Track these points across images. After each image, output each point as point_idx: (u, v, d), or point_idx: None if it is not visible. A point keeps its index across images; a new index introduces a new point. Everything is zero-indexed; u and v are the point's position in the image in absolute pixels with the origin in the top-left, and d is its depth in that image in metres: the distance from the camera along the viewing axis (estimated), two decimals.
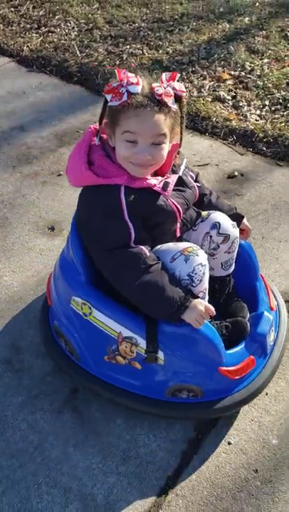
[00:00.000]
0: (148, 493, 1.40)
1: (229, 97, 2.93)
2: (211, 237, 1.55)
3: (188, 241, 1.53)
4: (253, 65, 3.19)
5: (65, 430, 1.52)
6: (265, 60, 3.24)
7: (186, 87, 3.04)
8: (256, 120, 2.76)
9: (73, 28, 3.72)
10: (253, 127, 2.68)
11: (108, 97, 1.30)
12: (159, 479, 1.42)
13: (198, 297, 1.38)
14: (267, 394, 1.59)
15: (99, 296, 1.45)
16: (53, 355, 1.63)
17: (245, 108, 2.83)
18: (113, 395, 1.52)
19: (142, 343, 1.40)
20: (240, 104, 2.86)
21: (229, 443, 1.49)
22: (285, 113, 2.80)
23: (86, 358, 1.54)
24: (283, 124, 2.70)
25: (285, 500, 1.38)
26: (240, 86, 3.02)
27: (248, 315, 1.59)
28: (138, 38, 3.56)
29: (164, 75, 1.33)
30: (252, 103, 2.89)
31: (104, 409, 1.56)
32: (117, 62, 3.26)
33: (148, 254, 1.36)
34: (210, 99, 2.91)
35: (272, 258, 2.04)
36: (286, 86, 3.00)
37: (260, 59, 3.26)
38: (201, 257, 1.38)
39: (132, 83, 1.28)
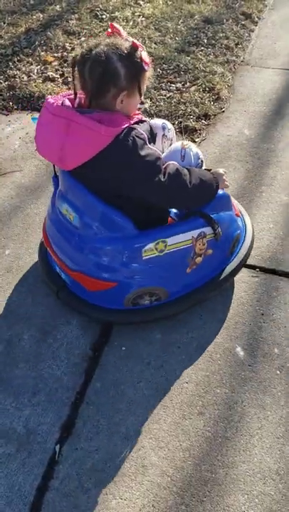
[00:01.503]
0: (63, 410, 1.55)
1: (58, 76, 3.12)
2: (166, 136, 1.83)
3: None
4: (72, 45, 3.41)
5: None
6: (82, 39, 3.47)
7: (15, 75, 3.19)
8: None
9: None
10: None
11: (147, 67, 1.46)
12: (70, 397, 1.58)
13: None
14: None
15: (159, 227, 1.63)
16: (146, 317, 1.73)
17: None
18: (214, 288, 1.77)
19: (207, 230, 1.67)
20: (69, 79, 3.06)
21: (122, 348, 1.69)
22: None
23: (174, 286, 1.72)
24: None
25: (169, 373, 1.63)
26: (65, 64, 3.21)
27: None
28: None
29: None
30: None
31: (2, 361, 1.68)
32: None
33: (177, 165, 1.57)
34: (41, 81, 3.08)
35: None
36: None
37: (78, 38, 3.49)
38: (191, 142, 1.75)
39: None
